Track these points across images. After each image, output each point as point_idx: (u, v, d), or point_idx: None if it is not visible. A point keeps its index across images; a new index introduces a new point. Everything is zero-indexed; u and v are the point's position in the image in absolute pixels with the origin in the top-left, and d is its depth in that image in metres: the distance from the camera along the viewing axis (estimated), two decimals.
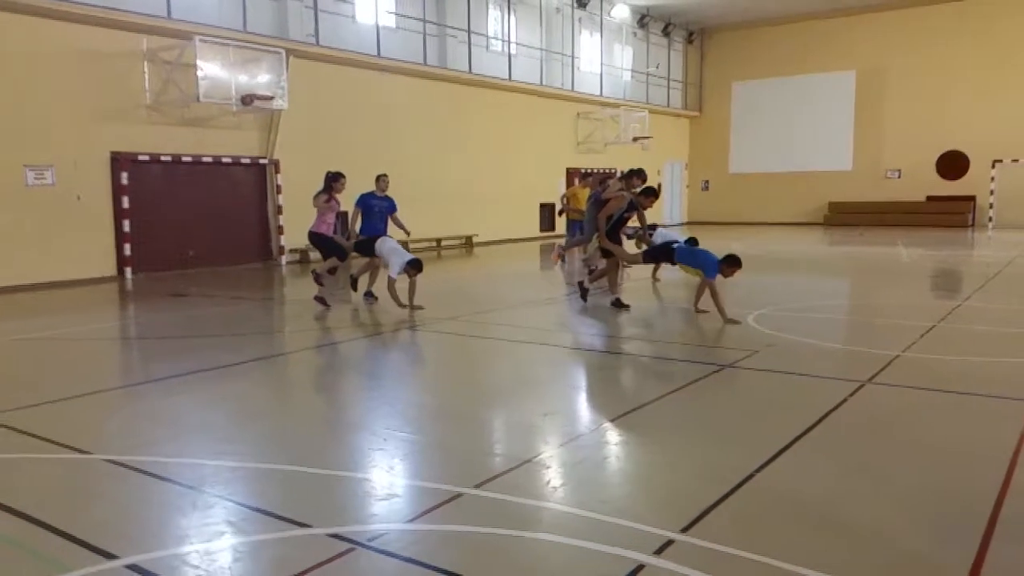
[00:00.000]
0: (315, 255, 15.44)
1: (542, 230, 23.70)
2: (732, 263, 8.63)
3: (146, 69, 13.96)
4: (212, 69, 14.00)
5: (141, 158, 13.97)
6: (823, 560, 3.01)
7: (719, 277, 8.61)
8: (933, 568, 3.01)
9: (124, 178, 13.71)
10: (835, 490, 3.81)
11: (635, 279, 11.66)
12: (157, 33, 13.89)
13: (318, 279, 9.94)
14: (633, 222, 10.39)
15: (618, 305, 9.46)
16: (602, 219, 9.60)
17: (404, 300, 9.32)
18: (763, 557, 3.04)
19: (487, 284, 13.29)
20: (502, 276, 14.61)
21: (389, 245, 9.68)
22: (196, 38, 13.68)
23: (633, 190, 9.94)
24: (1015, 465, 4.06)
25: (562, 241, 16.46)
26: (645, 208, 9.84)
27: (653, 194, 9.85)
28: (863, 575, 2.90)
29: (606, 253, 9.91)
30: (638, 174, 10.21)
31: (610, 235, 9.70)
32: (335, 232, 10.25)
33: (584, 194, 17.13)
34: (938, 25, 26.23)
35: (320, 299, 9.85)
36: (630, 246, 11.54)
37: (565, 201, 18.28)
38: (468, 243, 20.48)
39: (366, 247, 9.89)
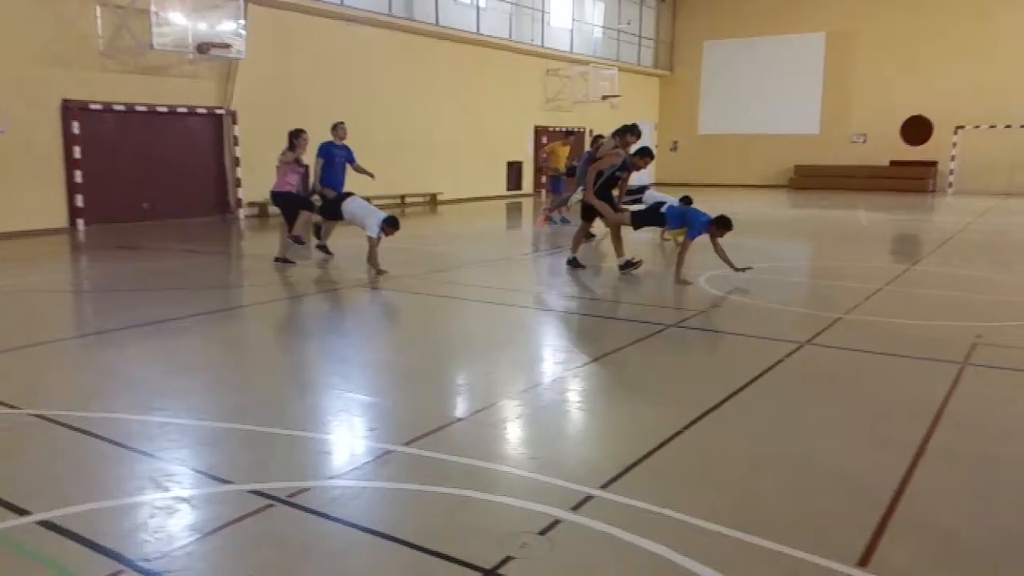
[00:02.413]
0: (275, 209, 15.22)
1: (509, 189, 23.57)
2: (723, 224, 8.39)
3: (98, 14, 13.46)
4: (168, 15, 13.55)
5: (93, 107, 13.56)
6: (736, 517, 3.08)
7: (704, 238, 8.44)
8: (841, 525, 3.09)
9: (76, 127, 13.32)
10: (757, 448, 3.89)
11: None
12: None
13: (298, 239, 9.68)
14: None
15: (574, 264, 9.46)
16: (592, 173, 9.14)
17: (383, 266, 8.94)
18: (677, 513, 3.09)
19: (448, 242, 13.22)
20: (464, 235, 14.54)
21: (359, 204, 9.26)
22: None
23: (627, 148, 9.44)
24: (936, 426, 4.17)
25: (546, 203, 16.30)
26: (639, 169, 9.35)
27: (649, 154, 9.42)
28: (774, 532, 2.96)
29: (586, 215, 9.49)
30: (631, 130, 9.55)
31: (600, 194, 9.15)
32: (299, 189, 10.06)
33: (564, 152, 16.97)
34: None
35: (282, 259, 9.63)
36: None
37: (544, 158, 18.09)
38: (433, 201, 20.31)
39: (331, 209, 9.50)
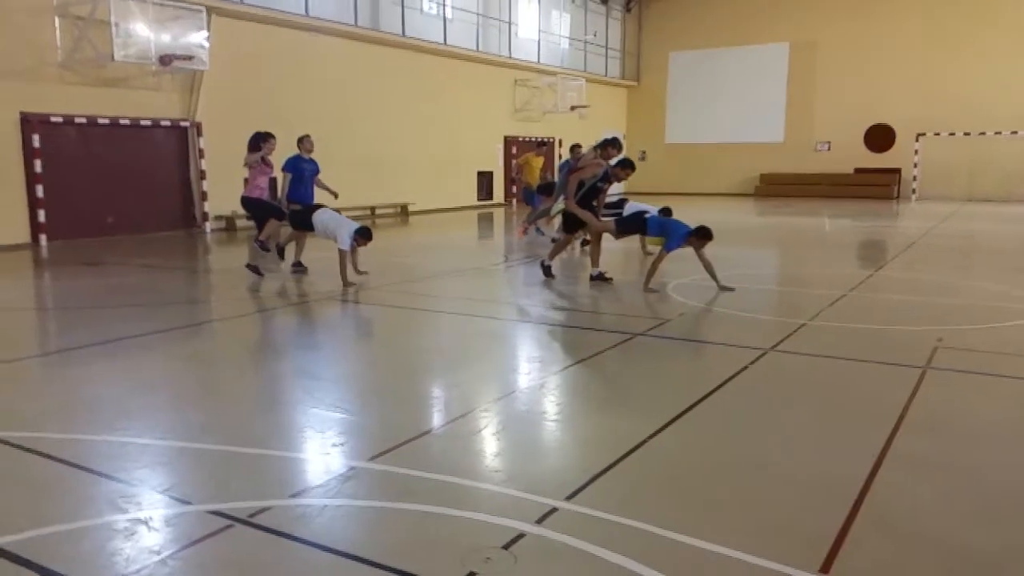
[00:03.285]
0: (242, 222, 15.10)
1: (480, 199, 23.59)
2: (703, 235, 8.37)
3: (57, 25, 13.28)
4: (128, 26, 13.39)
5: (54, 119, 13.35)
6: (701, 525, 3.08)
7: (681, 249, 8.43)
8: (804, 532, 3.11)
9: (36, 140, 13.10)
10: (721, 456, 3.91)
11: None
12: None
13: (264, 246, 9.57)
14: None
15: (546, 272, 9.43)
16: (573, 183, 9.12)
17: (351, 278, 8.85)
18: (642, 524, 3.09)
19: (419, 253, 13.18)
20: (436, 245, 14.51)
21: (330, 215, 9.14)
22: None
23: (608, 160, 9.45)
24: (897, 431, 4.21)
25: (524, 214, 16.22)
26: (620, 180, 9.41)
27: (630, 166, 9.44)
28: (738, 540, 2.96)
29: (568, 226, 9.47)
30: (613, 143, 9.64)
31: (582, 204, 9.12)
32: (269, 196, 9.95)
33: (538, 163, 16.93)
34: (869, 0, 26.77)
35: (253, 267, 9.54)
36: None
37: (516, 170, 18.04)
38: (403, 212, 20.25)
39: (301, 219, 9.35)
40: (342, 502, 3.34)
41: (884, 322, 7.06)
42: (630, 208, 11.26)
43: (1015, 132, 24.51)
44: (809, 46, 27.93)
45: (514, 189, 23.39)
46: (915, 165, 26.14)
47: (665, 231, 8.69)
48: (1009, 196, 24.78)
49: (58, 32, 13.27)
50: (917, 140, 25.87)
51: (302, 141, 10.11)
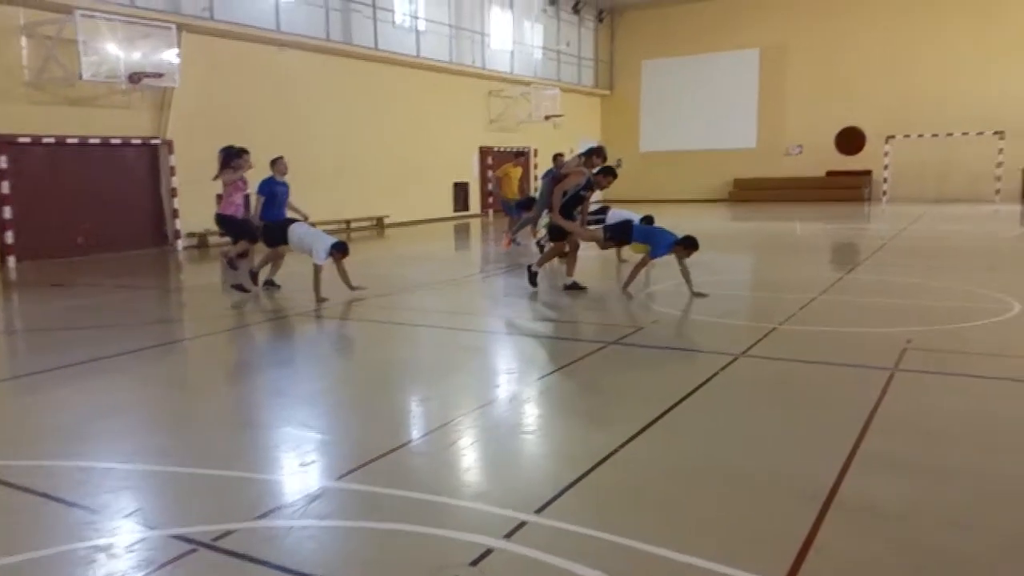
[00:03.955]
0: (215, 239, 14.99)
1: (456, 210, 23.58)
2: (689, 245, 8.39)
3: (24, 45, 13.15)
4: (96, 45, 13.28)
5: (21, 140, 13.20)
6: (669, 536, 3.08)
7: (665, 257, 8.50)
8: (771, 539, 3.11)
9: (3, 162, 12.95)
10: (691, 463, 3.91)
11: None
12: (35, 6, 13.09)
13: (232, 264, 9.54)
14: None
15: (531, 279, 9.34)
16: (558, 193, 9.10)
17: (325, 293, 8.73)
18: (611, 535, 3.08)
19: (395, 266, 13.12)
20: (412, 258, 14.46)
21: (305, 230, 9.07)
22: (77, 12, 12.94)
23: (592, 168, 9.46)
24: (865, 434, 4.24)
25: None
26: (602, 188, 9.41)
27: (612, 174, 9.51)
28: (706, 550, 2.96)
29: (555, 235, 9.42)
30: (598, 152, 9.69)
31: (565, 213, 9.13)
32: (244, 213, 9.88)
33: (516, 173, 16.94)
34: (837, 3, 27.13)
35: (238, 286, 9.44)
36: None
37: (495, 182, 18.04)
38: (379, 224, 20.20)
39: (275, 235, 9.26)
40: (308, 523, 3.31)
41: (854, 325, 7.12)
42: (613, 216, 11.31)
43: (981, 133, 24.92)
44: (779, 51, 28.29)
45: (490, 200, 23.46)
46: (885, 167, 26.49)
47: (650, 239, 8.71)
48: (977, 197, 25.16)
49: (25, 52, 13.15)
50: (887, 142, 26.23)
51: (275, 163, 9.95)
